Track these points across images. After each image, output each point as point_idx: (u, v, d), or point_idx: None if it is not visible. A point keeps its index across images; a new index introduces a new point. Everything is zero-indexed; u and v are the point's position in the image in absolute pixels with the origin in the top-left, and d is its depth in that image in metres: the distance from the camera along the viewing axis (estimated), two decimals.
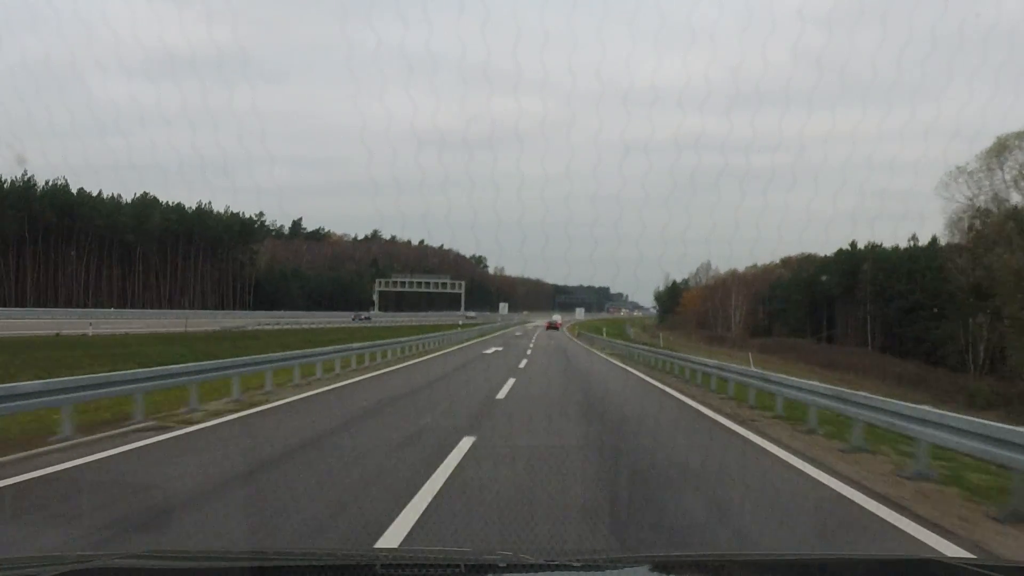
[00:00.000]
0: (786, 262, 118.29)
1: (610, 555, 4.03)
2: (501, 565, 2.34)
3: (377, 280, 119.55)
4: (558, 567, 2.38)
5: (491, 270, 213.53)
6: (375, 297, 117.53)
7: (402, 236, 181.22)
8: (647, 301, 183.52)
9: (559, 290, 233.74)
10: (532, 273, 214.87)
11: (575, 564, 2.39)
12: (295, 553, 3.53)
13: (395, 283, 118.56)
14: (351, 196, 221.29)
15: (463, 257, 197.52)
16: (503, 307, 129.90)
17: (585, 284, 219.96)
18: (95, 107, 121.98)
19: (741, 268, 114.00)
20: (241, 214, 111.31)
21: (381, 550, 4.78)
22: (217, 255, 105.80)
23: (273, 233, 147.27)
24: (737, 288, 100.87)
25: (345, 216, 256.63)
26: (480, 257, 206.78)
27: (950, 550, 5.40)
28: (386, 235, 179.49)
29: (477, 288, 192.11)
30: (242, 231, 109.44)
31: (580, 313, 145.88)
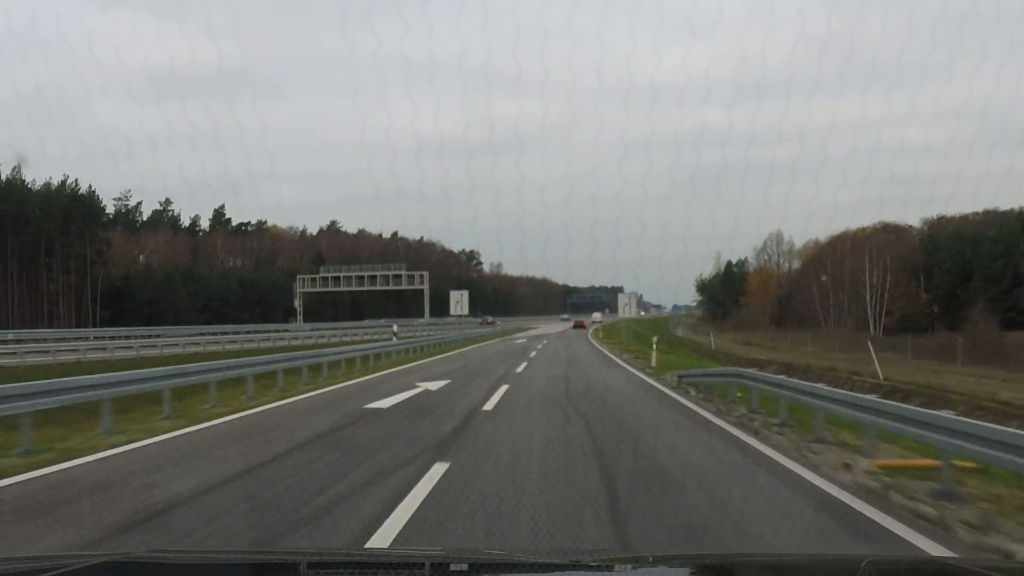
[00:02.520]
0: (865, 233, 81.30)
1: (606, 555, 3.41)
2: (502, 563, 2.33)
3: (298, 277, 79.88)
4: (555, 567, 2.30)
5: (486, 267, 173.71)
6: (297, 303, 77.98)
7: (371, 229, 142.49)
8: (658, 299, 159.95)
9: (570, 290, 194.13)
10: (537, 272, 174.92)
11: (571, 564, 2.36)
12: (295, 552, 3.67)
13: (325, 279, 78.86)
14: (351, 207, 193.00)
15: (451, 252, 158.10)
16: (457, 299, 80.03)
17: (597, 284, 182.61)
18: (90, 130, 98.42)
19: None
20: (75, 185, 71.98)
21: (377, 549, 4.56)
22: (30, 247, 66.83)
23: (180, 224, 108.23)
24: (873, 255, 60.65)
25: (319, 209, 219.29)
26: (472, 252, 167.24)
27: None
28: (350, 228, 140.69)
29: (468, 287, 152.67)
30: (76, 214, 70.07)
31: (629, 304, 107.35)
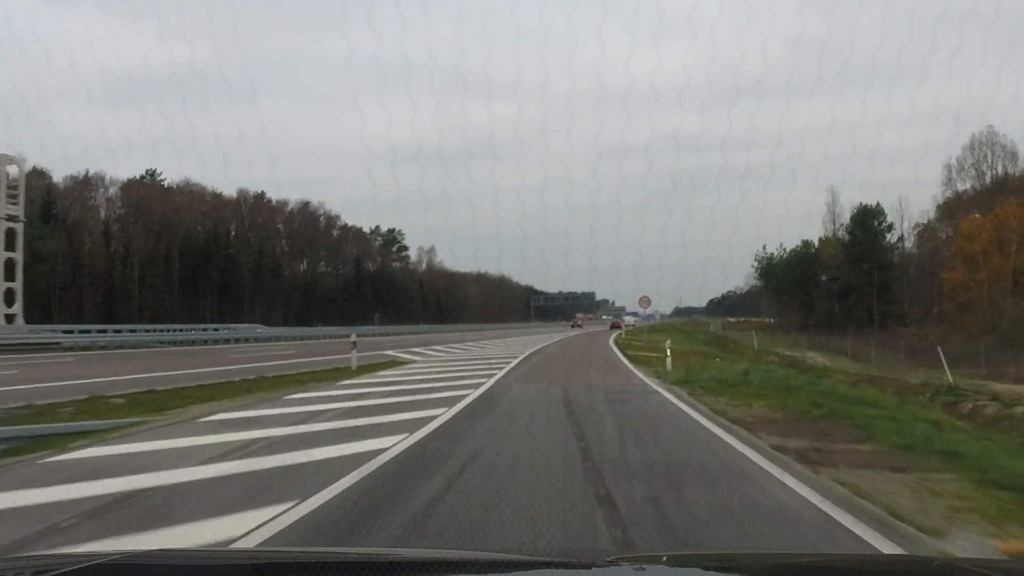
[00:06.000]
0: None
1: (606, 555, 3.28)
2: (501, 563, 2.33)
3: None
4: (554, 566, 2.34)
5: (413, 255, 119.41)
6: None
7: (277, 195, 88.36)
8: (631, 308, 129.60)
9: (535, 292, 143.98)
10: (492, 268, 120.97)
11: (570, 564, 2.37)
12: (294, 552, 3.66)
13: None
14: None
15: (355, 230, 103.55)
16: None
17: (566, 290, 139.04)
18: (52, 136, 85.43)
19: None
20: None
21: (380, 550, 4.49)
22: None
23: None
24: None
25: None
26: (393, 232, 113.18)
27: None
28: (173, 179, 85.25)
29: (379, 281, 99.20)
30: None
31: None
